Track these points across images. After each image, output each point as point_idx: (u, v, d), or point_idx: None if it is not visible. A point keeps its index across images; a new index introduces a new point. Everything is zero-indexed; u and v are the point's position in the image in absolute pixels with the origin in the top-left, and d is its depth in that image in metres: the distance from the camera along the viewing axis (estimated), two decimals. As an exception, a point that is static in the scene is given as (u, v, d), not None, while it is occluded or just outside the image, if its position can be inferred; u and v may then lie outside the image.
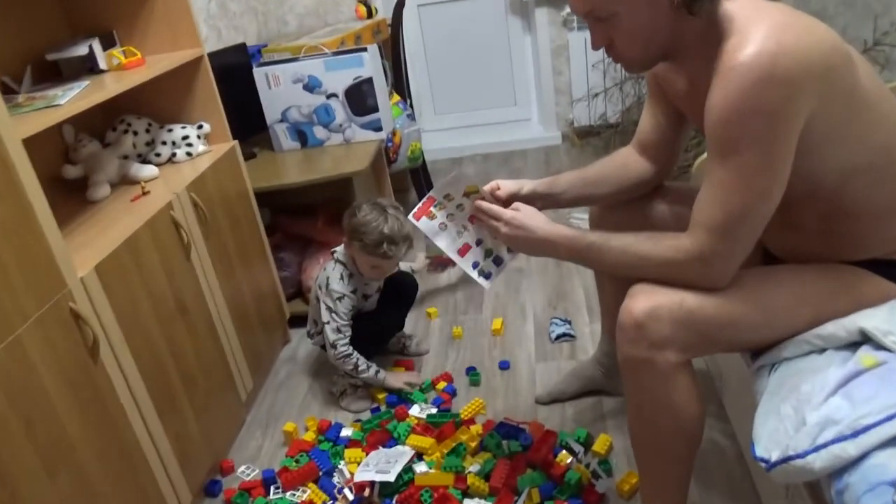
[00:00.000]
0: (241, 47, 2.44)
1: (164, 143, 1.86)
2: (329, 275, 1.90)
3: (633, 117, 3.18)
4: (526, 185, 1.41)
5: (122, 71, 1.69)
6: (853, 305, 1.09)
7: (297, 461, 1.71)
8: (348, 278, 1.88)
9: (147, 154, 1.87)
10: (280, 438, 1.84)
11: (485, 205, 1.32)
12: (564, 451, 1.59)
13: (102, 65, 1.69)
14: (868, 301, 1.10)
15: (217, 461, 1.75)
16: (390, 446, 1.70)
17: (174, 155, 1.86)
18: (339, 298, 1.85)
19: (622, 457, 1.61)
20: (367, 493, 1.55)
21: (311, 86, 2.28)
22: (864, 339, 1.05)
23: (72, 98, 1.39)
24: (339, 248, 1.93)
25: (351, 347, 1.85)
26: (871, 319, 1.05)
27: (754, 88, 0.97)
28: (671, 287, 1.10)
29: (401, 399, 1.89)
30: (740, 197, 1.03)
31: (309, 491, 1.62)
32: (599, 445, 1.61)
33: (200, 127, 1.89)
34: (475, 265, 1.38)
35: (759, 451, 0.99)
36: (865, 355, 1.00)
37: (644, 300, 1.10)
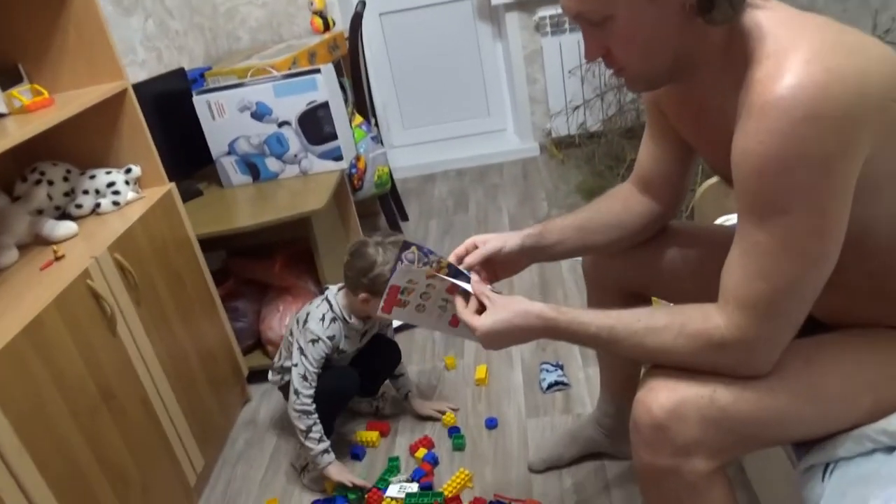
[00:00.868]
0: (180, 72, 2.18)
1: (85, 192, 1.60)
2: (311, 311, 1.65)
3: (615, 126, 2.97)
4: (509, 241, 1.16)
5: (26, 114, 1.43)
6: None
7: (256, 559, 1.47)
8: (329, 322, 1.63)
9: (66, 206, 1.61)
10: (237, 528, 1.59)
11: (462, 314, 1.03)
12: (567, 539, 1.37)
13: (1, 108, 1.43)
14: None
15: (163, 563, 1.50)
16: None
17: (98, 205, 1.60)
18: (314, 341, 1.60)
19: (633, 540, 1.39)
20: None
21: (261, 113, 2.03)
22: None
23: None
24: (333, 288, 1.68)
25: (314, 406, 1.60)
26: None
27: (800, 129, 0.75)
28: (697, 374, 0.88)
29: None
30: (788, 266, 0.81)
31: None
32: (606, 527, 1.39)
33: (129, 171, 1.63)
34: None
35: None
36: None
37: (665, 394, 0.87)
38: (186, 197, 2.08)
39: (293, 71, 2.10)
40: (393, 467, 1.66)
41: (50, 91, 1.53)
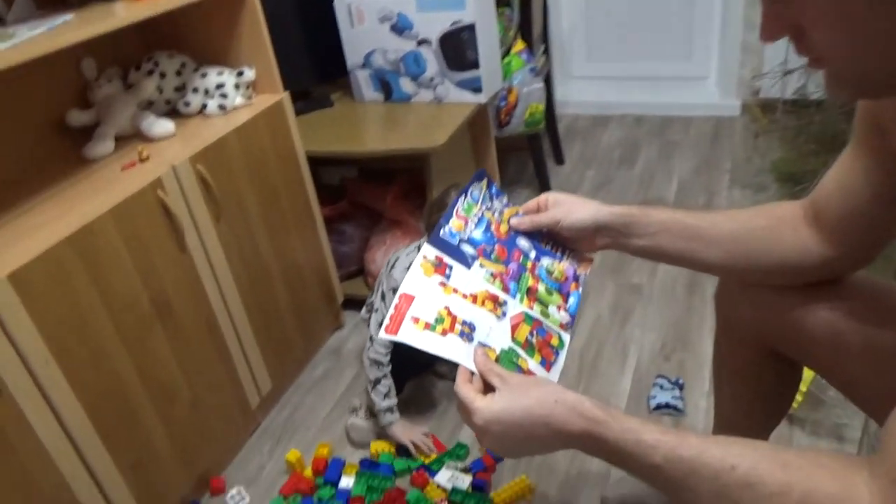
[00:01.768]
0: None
1: (195, 90, 1.52)
2: (399, 257, 1.52)
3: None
4: (575, 212, 0.90)
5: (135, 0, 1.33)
6: None
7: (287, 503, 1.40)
8: None
9: (176, 102, 1.54)
10: (285, 463, 1.53)
11: (461, 389, 0.73)
12: None
13: (115, -11, 1.35)
14: None
15: (206, 476, 1.48)
16: (400, 519, 1.33)
17: (205, 106, 1.51)
18: (395, 290, 1.44)
19: None
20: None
21: (401, 27, 1.81)
22: None
23: (18, 44, 1.05)
24: None
25: (388, 358, 1.47)
26: None
27: None
28: None
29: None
30: None
31: (283, 558, 1.30)
32: None
33: (241, 74, 1.51)
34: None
35: None
36: None
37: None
38: (316, 105, 1.98)
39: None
40: (456, 453, 1.49)
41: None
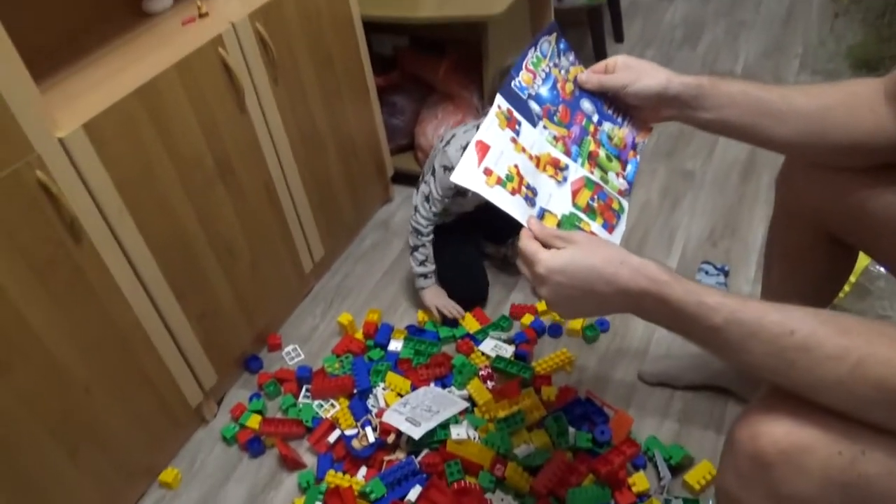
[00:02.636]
0: None
1: (251, -57, 1.46)
2: (456, 134, 1.51)
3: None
4: (645, 78, 0.87)
5: None
6: None
7: (340, 362, 1.49)
8: None
9: (232, -44, 1.49)
10: (336, 325, 1.62)
11: (525, 242, 0.74)
12: (643, 472, 1.21)
13: None
14: None
15: (264, 333, 1.58)
16: (448, 383, 1.41)
17: (261, -38, 1.46)
18: (446, 168, 1.47)
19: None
20: (391, 439, 1.30)
21: None
22: None
23: None
24: None
25: (429, 228, 1.52)
26: None
27: None
28: (845, 420, 0.60)
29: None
30: None
31: (338, 407, 1.40)
32: (695, 476, 1.20)
33: (298, -73, 1.45)
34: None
35: None
36: None
37: (786, 428, 0.61)
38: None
39: None
40: (500, 325, 1.54)
41: None
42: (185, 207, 1.25)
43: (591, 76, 0.90)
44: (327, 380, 1.44)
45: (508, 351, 1.46)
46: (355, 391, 1.42)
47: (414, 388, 1.40)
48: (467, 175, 0.74)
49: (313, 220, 1.63)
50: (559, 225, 0.80)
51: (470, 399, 1.37)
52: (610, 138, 0.90)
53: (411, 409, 1.31)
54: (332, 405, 1.41)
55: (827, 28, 2.47)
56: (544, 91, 0.86)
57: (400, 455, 1.29)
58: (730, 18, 2.68)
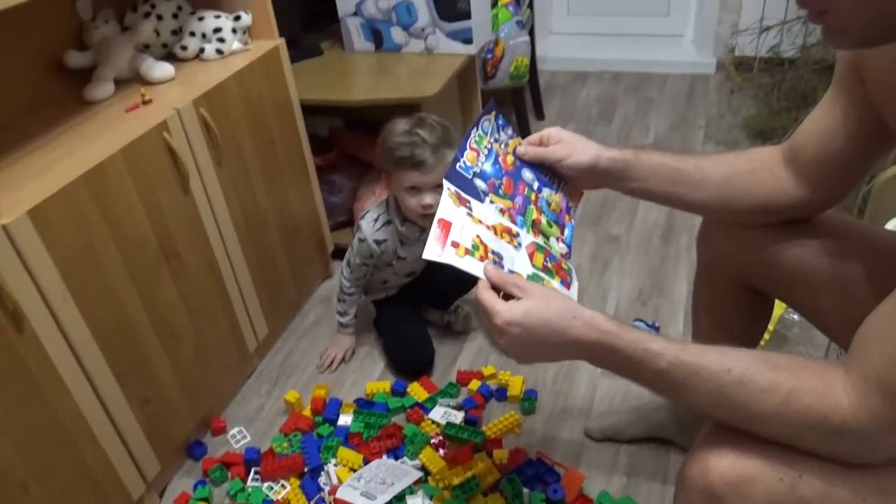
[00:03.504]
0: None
1: (192, 33, 1.52)
2: (370, 210, 1.59)
3: (815, 54, 2.45)
4: (577, 154, 0.96)
5: (135, -61, 1.33)
6: None
7: (289, 441, 1.47)
8: (382, 224, 1.56)
9: (173, 45, 1.54)
10: (283, 403, 1.60)
11: (483, 294, 0.79)
12: (597, 528, 1.24)
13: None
14: None
15: (207, 417, 1.54)
16: (400, 454, 1.41)
17: (202, 50, 1.52)
18: (361, 240, 1.56)
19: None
20: (346, 515, 1.28)
21: (393, -25, 1.83)
22: None
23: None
24: None
25: (351, 290, 1.64)
26: None
27: None
28: (783, 447, 0.66)
29: (406, 387, 1.58)
30: None
31: (289, 488, 1.37)
32: (647, 527, 1.23)
33: (238, 18, 1.52)
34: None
35: None
36: None
37: (731, 461, 0.67)
38: (306, 54, 1.98)
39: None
40: (448, 392, 1.57)
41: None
42: (129, 291, 1.24)
43: (529, 148, 0.98)
44: (276, 460, 1.41)
45: (458, 417, 1.48)
46: (306, 470, 1.39)
47: (366, 461, 1.39)
48: (437, 251, 0.79)
49: (257, 299, 1.63)
50: None
51: (423, 468, 1.37)
52: (549, 204, 0.98)
53: (365, 483, 1.31)
54: (283, 486, 1.38)
55: (725, 103, 2.73)
56: (488, 167, 0.93)
57: (357, 531, 1.27)
58: (639, 95, 2.92)
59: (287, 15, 1.75)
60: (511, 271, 0.84)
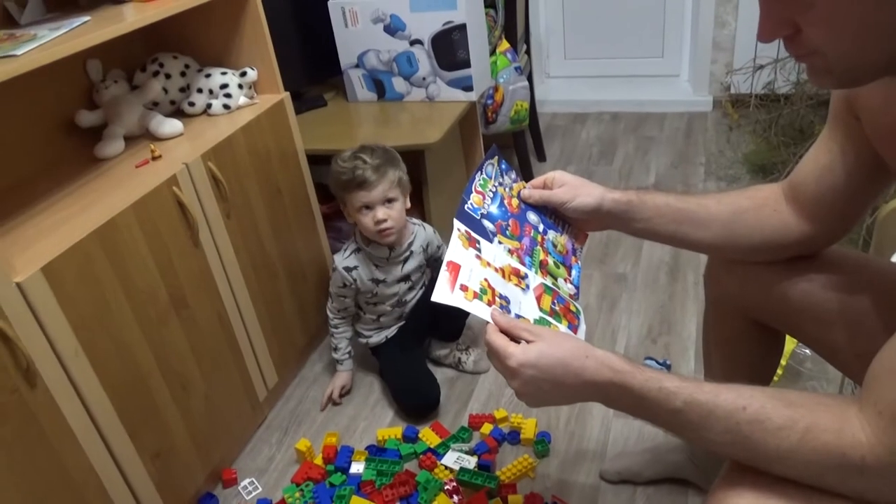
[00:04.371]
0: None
1: (199, 90, 1.56)
2: (348, 245, 1.67)
3: (808, 93, 2.49)
4: (581, 197, 0.97)
5: (145, 2, 1.38)
6: None
7: (301, 491, 1.45)
8: (351, 252, 1.65)
9: (181, 102, 1.58)
10: (294, 452, 1.58)
11: (493, 337, 0.79)
12: (617, 574, 1.21)
13: (122, -7, 1.39)
14: None
15: (218, 468, 1.53)
16: (413, 502, 1.39)
17: (210, 106, 1.56)
18: (334, 270, 1.65)
19: None
20: (360, 567, 1.26)
21: (394, 28, 1.88)
22: None
23: (43, 45, 1.10)
24: None
25: (339, 320, 1.72)
26: None
27: None
28: (802, 487, 0.66)
29: (418, 432, 1.57)
30: None
31: (301, 540, 1.35)
32: (668, 572, 1.21)
33: (244, 74, 1.56)
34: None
35: None
36: None
37: (751, 499, 0.66)
38: (310, 105, 2.03)
39: (436, -16, 1.90)
40: (460, 437, 1.55)
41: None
42: (140, 343, 1.24)
43: (534, 192, 1.00)
44: (289, 512, 1.39)
45: (471, 462, 1.47)
46: (319, 521, 1.38)
47: (380, 510, 1.37)
48: (446, 294, 0.80)
49: (266, 348, 1.63)
50: None
51: (438, 516, 1.35)
52: (554, 246, 0.99)
53: (380, 534, 1.29)
54: (296, 538, 1.36)
55: (724, 139, 2.76)
56: (494, 209, 0.95)
57: (371, 584, 1.25)
58: (638, 135, 2.96)
59: (291, 69, 1.80)
60: (518, 315, 0.84)
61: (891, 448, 0.60)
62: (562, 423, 1.57)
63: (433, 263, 1.75)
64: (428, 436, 1.55)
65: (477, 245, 0.89)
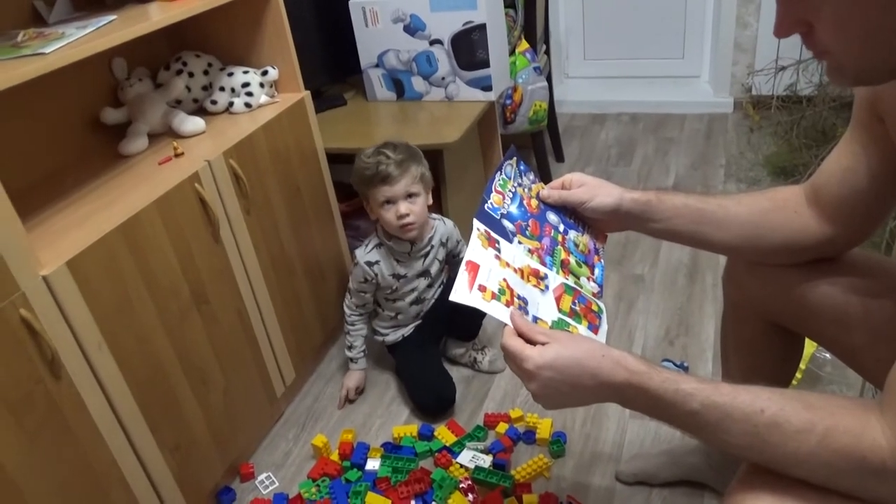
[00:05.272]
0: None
1: (221, 88, 1.58)
2: (371, 239, 1.68)
3: (833, 92, 2.46)
4: (600, 197, 0.98)
5: (170, 1, 1.40)
6: None
7: (317, 486, 1.47)
8: (373, 247, 1.65)
9: (203, 100, 1.60)
10: (311, 447, 1.60)
11: (510, 341, 0.79)
12: (632, 575, 1.21)
13: (148, -8, 1.41)
14: None
15: (236, 462, 1.55)
16: (429, 499, 1.40)
17: (231, 104, 1.58)
18: (356, 264, 1.64)
19: None
20: (375, 563, 1.27)
21: (413, 28, 1.89)
22: None
23: (71, 43, 1.12)
24: None
25: (357, 317, 1.71)
26: None
27: None
28: (819, 490, 0.65)
29: (433, 431, 1.57)
30: None
31: (317, 534, 1.37)
32: (683, 574, 1.20)
33: (265, 73, 1.58)
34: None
35: None
36: None
37: (768, 502, 0.66)
38: (330, 104, 2.04)
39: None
40: (475, 436, 1.56)
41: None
42: (161, 338, 1.26)
43: (552, 192, 1.00)
44: (305, 507, 1.41)
45: (486, 461, 1.47)
46: (335, 516, 1.39)
47: (395, 507, 1.38)
48: (465, 294, 0.80)
49: (284, 344, 1.65)
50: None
51: (453, 514, 1.36)
52: (576, 245, 0.99)
53: (395, 530, 1.29)
54: (312, 533, 1.37)
55: (745, 141, 2.74)
56: (514, 209, 0.95)
57: (386, 580, 1.26)
58: (658, 136, 2.94)
59: (312, 68, 1.82)
60: (535, 318, 0.84)
61: None
62: (577, 423, 1.57)
63: (452, 261, 1.75)
64: (443, 434, 1.56)
65: (496, 245, 0.89)
